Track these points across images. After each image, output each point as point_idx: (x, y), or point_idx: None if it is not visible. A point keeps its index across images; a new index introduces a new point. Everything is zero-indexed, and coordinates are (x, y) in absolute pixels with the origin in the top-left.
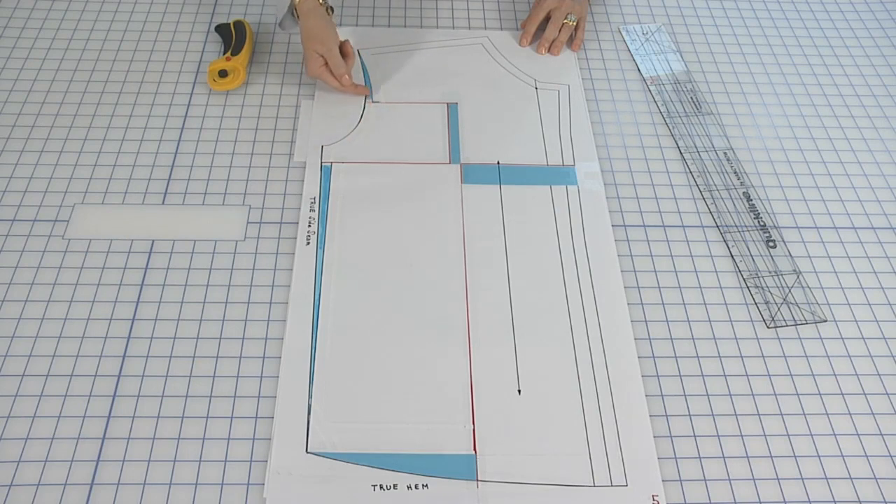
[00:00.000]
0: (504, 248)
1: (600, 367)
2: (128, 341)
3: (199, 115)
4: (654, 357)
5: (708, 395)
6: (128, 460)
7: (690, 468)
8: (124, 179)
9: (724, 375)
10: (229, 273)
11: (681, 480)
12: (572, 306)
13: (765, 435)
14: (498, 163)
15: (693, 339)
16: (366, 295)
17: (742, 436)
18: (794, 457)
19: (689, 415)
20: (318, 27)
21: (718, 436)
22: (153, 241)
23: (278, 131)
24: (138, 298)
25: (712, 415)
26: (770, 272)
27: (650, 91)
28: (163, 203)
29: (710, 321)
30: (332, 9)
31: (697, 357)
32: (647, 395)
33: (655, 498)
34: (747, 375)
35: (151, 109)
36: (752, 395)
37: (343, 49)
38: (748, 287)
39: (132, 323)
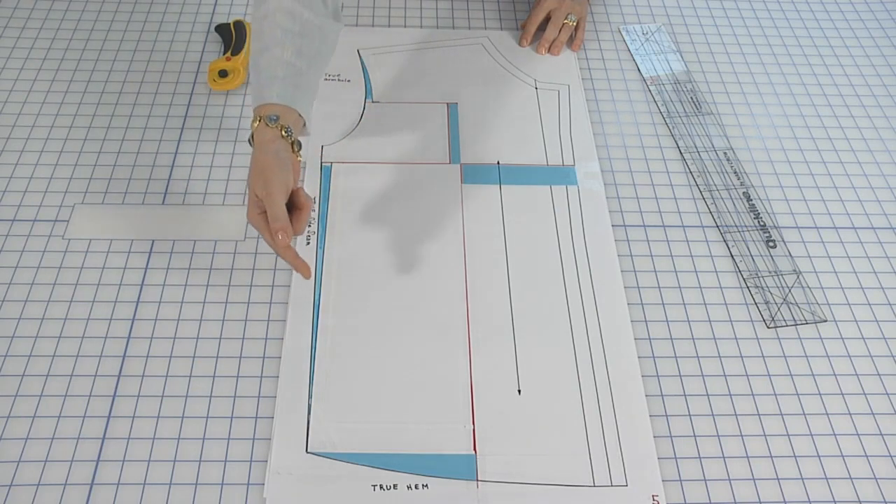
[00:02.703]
0: (504, 248)
1: (600, 367)
2: (128, 341)
3: (199, 115)
4: (654, 357)
5: (708, 395)
6: (128, 460)
7: (690, 468)
8: (124, 179)
9: (724, 375)
10: (229, 273)
11: (681, 480)
12: (572, 306)
13: (765, 435)
14: (498, 163)
15: (693, 339)
16: (366, 295)
17: (742, 436)
18: (794, 457)
19: (689, 415)
20: (267, 165)
21: (718, 436)
22: (153, 241)
23: None
24: (138, 298)
25: (712, 415)
26: (770, 272)
27: (650, 91)
28: (163, 203)
29: (710, 321)
30: (298, 144)
31: (697, 357)
32: (647, 395)
33: (655, 498)
34: (747, 375)
35: (151, 109)
36: (752, 395)
37: (295, 199)
38: (748, 287)
39: (132, 323)
